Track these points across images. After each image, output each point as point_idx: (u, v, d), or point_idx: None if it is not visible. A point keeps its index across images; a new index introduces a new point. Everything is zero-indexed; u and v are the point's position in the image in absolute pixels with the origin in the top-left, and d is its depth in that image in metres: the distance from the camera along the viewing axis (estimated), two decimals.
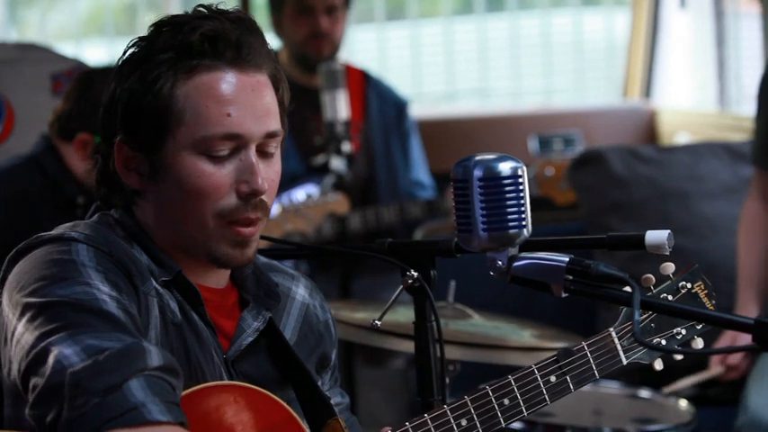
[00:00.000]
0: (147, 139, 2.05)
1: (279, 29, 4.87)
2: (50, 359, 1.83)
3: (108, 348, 1.83)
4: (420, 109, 5.92)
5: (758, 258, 3.85)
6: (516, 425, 3.38)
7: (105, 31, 6.82)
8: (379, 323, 2.26)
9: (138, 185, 2.09)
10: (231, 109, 2.04)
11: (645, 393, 3.75)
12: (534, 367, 2.18)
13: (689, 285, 2.30)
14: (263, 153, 2.09)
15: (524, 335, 3.32)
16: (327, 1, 4.75)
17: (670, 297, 2.29)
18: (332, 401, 2.22)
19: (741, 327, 1.99)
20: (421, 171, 5.01)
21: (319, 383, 2.25)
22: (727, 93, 5.98)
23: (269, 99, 2.08)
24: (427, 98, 6.89)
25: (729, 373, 3.86)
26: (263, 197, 2.07)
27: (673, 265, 2.29)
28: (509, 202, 2.05)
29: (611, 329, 2.25)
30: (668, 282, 2.30)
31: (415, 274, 2.21)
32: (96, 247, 2.00)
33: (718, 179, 4.64)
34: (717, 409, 3.99)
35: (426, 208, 4.66)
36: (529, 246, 2.11)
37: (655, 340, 2.27)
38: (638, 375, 4.07)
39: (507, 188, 2.05)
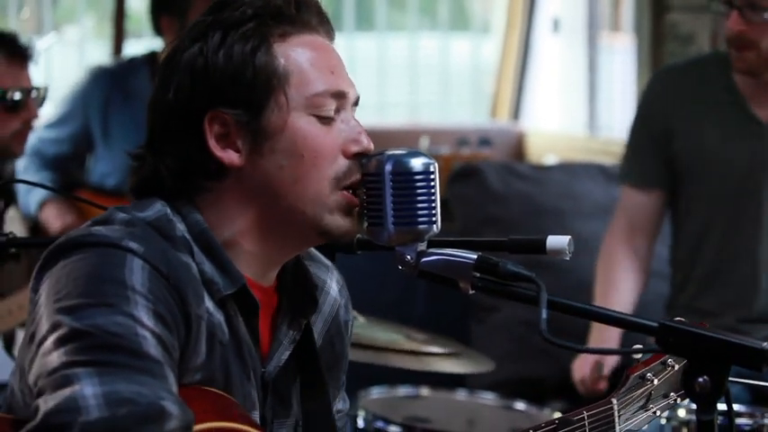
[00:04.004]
0: (251, 105, 1.97)
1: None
2: (69, 391, 1.72)
3: (130, 400, 1.72)
4: None
5: (619, 299, 3.79)
6: (394, 428, 3.38)
7: None
8: None
9: (237, 162, 1.97)
10: (332, 68, 2.01)
11: (520, 405, 3.78)
12: None
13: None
14: None
15: (398, 337, 3.34)
16: None
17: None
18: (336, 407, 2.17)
19: (645, 329, 2.03)
20: None
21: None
22: (596, 118, 6.10)
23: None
24: None
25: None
26: None
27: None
28: (420, 198, 2.04)
29: (614, 399, 2.24)
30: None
31: None
32: (154, 266, 1.86)
33: (592, 199, 4.71)
34: None
35: None
36: (432, 245, 2.12)
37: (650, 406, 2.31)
38: (511, 388, 4.11)
39: (418, 183, 2.05)
